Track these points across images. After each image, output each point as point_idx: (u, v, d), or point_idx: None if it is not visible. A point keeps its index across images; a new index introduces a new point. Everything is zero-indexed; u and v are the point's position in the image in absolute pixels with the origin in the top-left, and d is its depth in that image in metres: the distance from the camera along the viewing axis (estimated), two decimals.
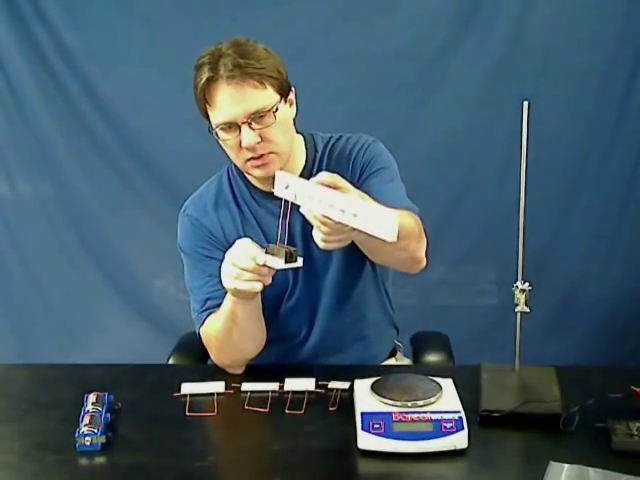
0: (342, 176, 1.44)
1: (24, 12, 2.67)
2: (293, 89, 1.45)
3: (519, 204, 1.27)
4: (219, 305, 1.44)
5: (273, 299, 1.51)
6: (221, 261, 1.35)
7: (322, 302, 1.54)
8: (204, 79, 1.36)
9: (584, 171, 2.74)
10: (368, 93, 2.64)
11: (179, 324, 2.49)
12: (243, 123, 1.36)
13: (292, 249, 1.24)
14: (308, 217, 1.14)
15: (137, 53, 2.69)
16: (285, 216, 1.27)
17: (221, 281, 1.35)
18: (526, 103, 1.22)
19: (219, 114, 1.38)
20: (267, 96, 1.37)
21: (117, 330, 2.87)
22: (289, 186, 1.17)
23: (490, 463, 1.14)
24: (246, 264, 1.26)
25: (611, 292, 2.77)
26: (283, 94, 1.41)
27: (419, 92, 2.70)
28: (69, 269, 2.88)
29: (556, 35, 2.62)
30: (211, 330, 1.47)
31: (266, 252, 1.25)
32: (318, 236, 1.15)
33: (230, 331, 1.42)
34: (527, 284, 1.24)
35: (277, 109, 1.38)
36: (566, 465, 1.06)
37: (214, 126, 1.40)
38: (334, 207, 1.08)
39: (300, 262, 1.25)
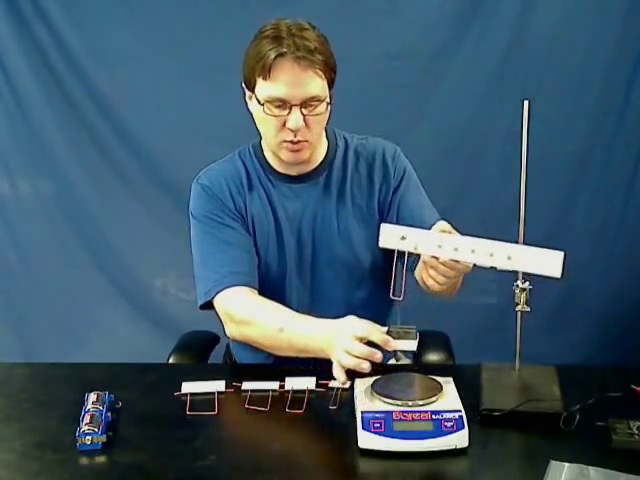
0: (371, 175, 1.54)
1: (25, 11, 2.67)
2: (334, 86, 1.50)
3: (519, 204, 1.27)
4: (243, 274, 1.47)
5: (276, 289, 1.53)
6: (235, 229, 1.41)
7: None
8: (274, 54, 1.37)
9: (585, 171, 2.74)
10: (368, 93, 2.64)
11: (179, 323, 2.50)
12: (295, 105, 1.40)
13: (415, 327, 1.24)
14: (432, 264, 1.22)
15: (138, 52, 2.69)
16: (403, 268, 1.25)
17: (239, 250, 1.44)
18: (526, 102, 1.22)
19: (276, 89, 1.40)
20: (323, 87, 1.42)
21: (117, 329, 2.87)
22: (406, 237, 1.21)
23: (490, 462, 1.14)
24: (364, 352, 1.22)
25: (611, 292, 2.78)
26: (331, 87, 1.46)
27: (419, 92, 2.71)
28: (69, 268, 2.88)
29: (557, 35, 2.62)
30: (245, 315, 1.45)
31: (390, 336, 1.23)
32: (438, 280, 1.25)
33: (268, 344, 1.43)
34: (527, 283, 1.24)
35: (329, 102, 1.44)
36: (566, 464, 1.06)
37: (264, 99, 1.42)
38: (476, 253, 1.16)
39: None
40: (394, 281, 1.29)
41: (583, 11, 2.61)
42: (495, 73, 2.67)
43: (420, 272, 1.31)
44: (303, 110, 1.41)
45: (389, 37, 2.65)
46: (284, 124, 1.42)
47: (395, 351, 1.25)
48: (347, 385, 1.27)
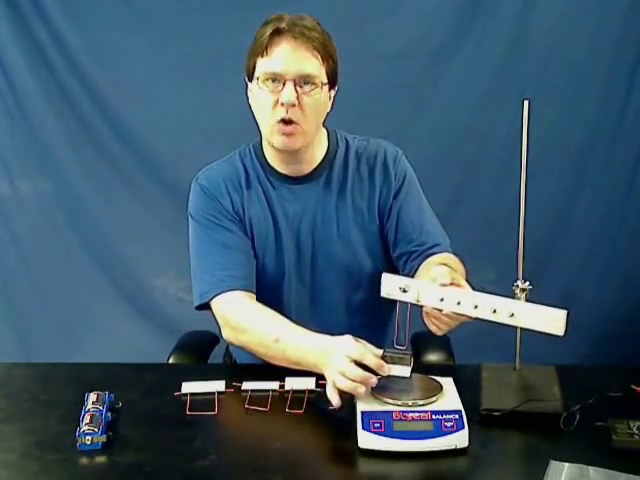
0: (372, 177, 1.54)
1: (24, 11, 2.68)
2: (337, 88, 1.50)
3: (519, 204, 1.27)
4: (241, 278, 1.46)
5: (274, 291, 1.53)
6: (233, 232, 1.42)
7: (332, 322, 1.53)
8: (270, 30, 1.40)
9: (585, 171, 2.74)
10: (368, 93, 2.64)
11: (179, 323, 2.50)
12: (289, 80, 1.40)
13: (410, 353, 1.24)
14: (434, 315, 1.22)
15: (138, 52, 2.70)
16: (403, 318, 1.26)
17: (237, 253, 1.44)
18: (526, 102, 1.22)
19: (272, 64, 1.41)
20: (320, 70, 1.43)
21: (117, 329, 2.87)
22: (408, 289, 1.21)
23: (490, 462, 1.14)
24: (360, 377, 1.20)
25: (611, 291, 2.78)
26: (330, 83, 1.46)
27: (419, 92, 2.71)
28: (69, 268, 2.88)
29: (557, 35, 2.63)
30: (241, 321, 1.44)
31: (384, 360, 1.22)
32: (440, 327, 1.24)
33: (263, 353, 1.42)
34: (527, 283, 1.24)
35: (324, 85, 1.44)
36: (566, 464, 1.06)
37: (260, 75, 1.43)
38: (479, 308, 1.15)
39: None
40: (397, 329, 1.29)
41: (584, 10, 2.61)
42: (495, 73, 2.68)
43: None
44: (297, 88, 1.41)
45: (389, 37, 2.65)
46: (277, 102, 1.42)
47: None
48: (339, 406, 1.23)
